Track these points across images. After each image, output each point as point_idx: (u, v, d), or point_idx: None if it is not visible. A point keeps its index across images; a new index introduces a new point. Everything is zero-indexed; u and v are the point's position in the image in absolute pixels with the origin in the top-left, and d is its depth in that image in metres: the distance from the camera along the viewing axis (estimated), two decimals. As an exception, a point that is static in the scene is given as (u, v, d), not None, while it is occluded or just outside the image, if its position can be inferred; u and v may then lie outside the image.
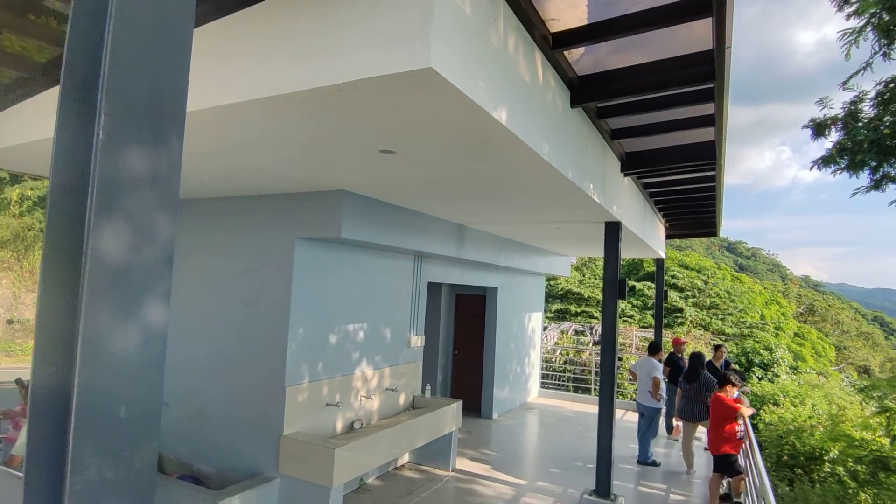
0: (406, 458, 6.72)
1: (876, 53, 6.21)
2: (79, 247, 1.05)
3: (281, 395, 4.75)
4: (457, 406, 6.59)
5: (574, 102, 3.88)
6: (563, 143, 3.76)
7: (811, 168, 7.70)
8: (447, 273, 7.48)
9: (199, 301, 5.39)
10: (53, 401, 1.04)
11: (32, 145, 3.74)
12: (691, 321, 22.83)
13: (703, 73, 3.55)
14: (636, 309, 23.25)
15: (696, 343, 20.09)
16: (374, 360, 5.94)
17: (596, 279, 25.17)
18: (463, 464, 6.87)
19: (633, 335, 18.54)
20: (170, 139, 1.14)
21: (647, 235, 7.92)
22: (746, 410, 5.75)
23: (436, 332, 9.38)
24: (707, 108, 4.53)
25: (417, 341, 6.73)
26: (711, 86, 3.95)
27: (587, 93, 3.85)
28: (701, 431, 7.47)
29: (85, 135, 1.08)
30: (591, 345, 17.85)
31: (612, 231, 5.91)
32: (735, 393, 5.82)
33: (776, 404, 14.28)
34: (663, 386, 7.56)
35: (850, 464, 9.30)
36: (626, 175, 5.97)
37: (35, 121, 3.64)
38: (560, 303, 23.15)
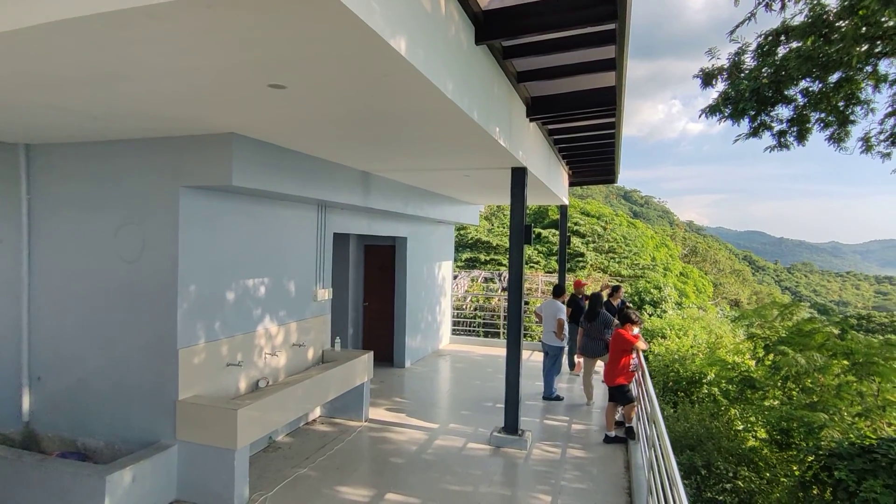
0: (318, 412, 6.60)
1: (759, 4, 6.55)
2: None
3: (173, 358, 4.38)
4: (368, 357, 6.51)
5: (479, 39, 3.71)
6: (469, 83, 3.61)
7: (699, 116, 8.15)
8: (354, 223, 7.22)
9: (71, 261, 4.77)
10: None
11: None
12: (592, 265, 24.25)
13: (606, 13, 3.51)
14: (542, 255, 24.27)
15: (595, 285, 21.45)
16: (278, 315, 5.66)
17: (504, 228, 25.86)
18: (376, 413, 6.87)
19: (538, 280, 19.37)
20: None
21: (552, 182, 8.09)
22: (642, 345, 6.18)
23: (344, 285, 9.15)
24: (609, 52, 4.55)
25: (324, 294, 6.49)
26: (613, 27, 3.95)
27: (492, 29, 3.69)
28: (599, 366, 7.99)
29: None
30: (499, 291, 18.44)
31: (518, 177, 5.93)
32: (636, 330, 6.22)
33: (664, 337, 15.69)
34: (566, 326, 7.95)
35: (724, 384, 10.48)
36: (531, 120, 5.97)
37: None
38: (470, 252, 23.60)
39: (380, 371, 8.89)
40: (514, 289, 5.97)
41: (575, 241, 24.38)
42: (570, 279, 15.75)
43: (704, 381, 11.00)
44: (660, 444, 4.10)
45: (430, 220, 9.86)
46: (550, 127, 7.10)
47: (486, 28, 3.71)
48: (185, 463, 4.41)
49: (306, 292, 6.16)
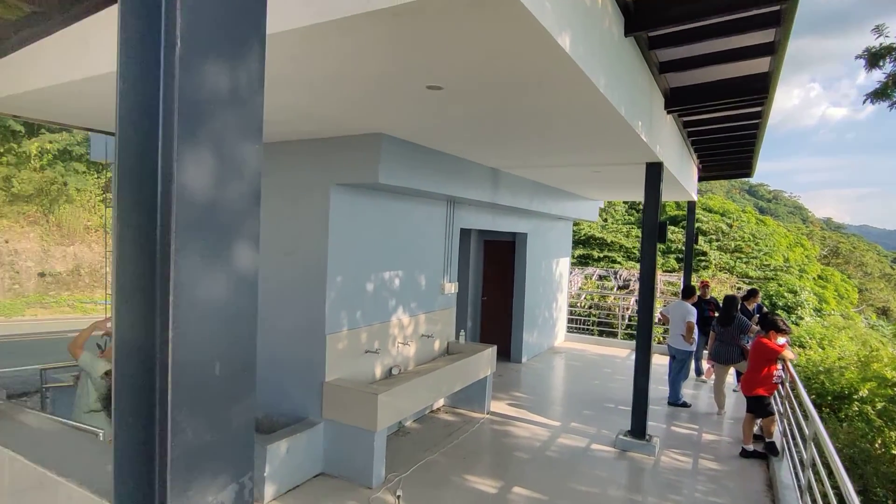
0: (441, 401, 6.82)
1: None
2: (153, 183, 0.91)
3: (322, 342, 4.75)
4: (491, 351, 6.60)
5: (628, 30, 3.59)
6: (618, 76, 3.51)
7: (864, 102, 7.25)
8: (479, 219, 7.33)
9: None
10: (139, 357, 0.94)
11: (50, 90, 3.56)
12: (716, 264, 22.56)
13: (775, -8, 3.24)
14: (659, 253, 23.01)
15: (722, 287, 19.91)
16: (409, 307, 5.92)
17: (618, 224, 24.84)
18: (497, 406, 6.95)
19: (657, 280, 18.41)
20: (251, 51, 0.97)
21: (683, 176, 7.64)
22: (789, 354, 5.66)
23: (465, 279, 9.34)
24: (768, 35, 4.19)
25: (451, 288, 6.67)
26: (778, 7, 3.63)
27: (643, 19, 3.56)
28: (730, 373, 7.45)
29: (153, 52, 0.91)
30: (614, 290, 17.78)
31: (654, 172, 5.67)
32: (782, 339, 5.71)
33: (802, 346, 14.22)
34: (696, 329, 7.49)
35: (881, 402, 9.29)
36: (668, 112, 5.67)
37: (51, 62, 3.44)
38: (582, 248, 22.96)
39: (497, 365, 8.95)
40: (646, 289, 5.73)
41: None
42: (693, 280, 14.78)
43: (855, 397, 9.84)
44: (821, 465, 3.75)
45: (551, 216, 9.74)
46: (686, 119, 6.69)
47: (637, 18, 3.58)
48: (329, 440, 4.77)
49: (435, 285, 6.37)
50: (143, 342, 0.93)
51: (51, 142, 20.10)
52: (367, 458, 4.58)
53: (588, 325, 14.24)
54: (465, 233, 9.17)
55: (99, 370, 3.88)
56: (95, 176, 21.30)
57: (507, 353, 9.48)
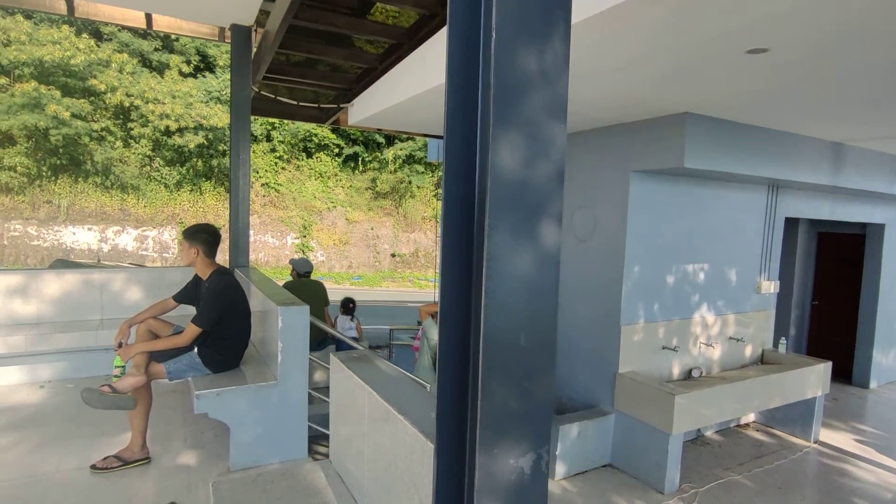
0: (751, 416, 5.94)
1: None
2: (472, 167, 1.01)
3: (616, 332, 4.66)
4: (825, 368, 5.44)
5: None
6: None
7: None
8: (812, 206, 6.06)
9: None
10: (459, 325, 1.07)
11: (400, 105, 4.37)
12: None
13: None
14: None
15: None
16: (715, 304, 5.30)
17: None
18: (829, 437, 5.68)
19: None
20: (556, 30, 0.99)
21: None
22: None
23: (789, 278, 7.86)
24: None
25: (769, 287, 5.72)
26: None
27: None
28: None
29: (474, 42, 1.01)
30: None
31: None
32: None
33: None
34: None
35: None
36: None
37: (401, 82, 4.21)
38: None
39: (833, 386, 7.31)
40: None
41: None
42: None
43: None
44: None
45: (924, 203, 7.39)
46: None
47: None
48: (619, 432, 4.67)
49: (748, 283, 5.56)
50: (463, 310, 1.06)
51: (401, 149, 24.98)
52: (660, 461, 4.32)
53: None
54: (791, 223, 7.70)
55: (434, 335, 4.68)
56: (430, 175, 25.77)
57: (846, 374, 7.64)
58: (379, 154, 25.49)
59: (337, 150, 24.49)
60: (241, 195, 4.64)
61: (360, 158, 24.85)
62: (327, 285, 6.66)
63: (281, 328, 2.97)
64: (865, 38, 2.45)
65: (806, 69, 2.95)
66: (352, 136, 24.55)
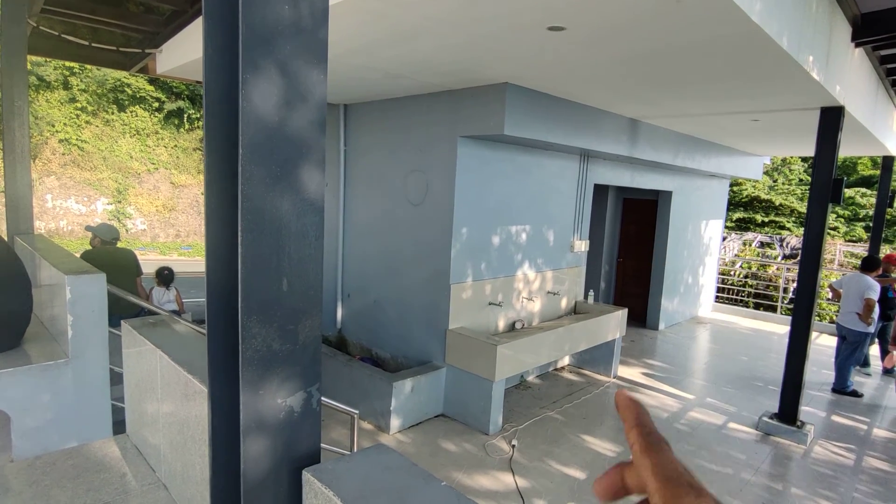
0: (566, 360, 6.73)
1: None
2: (234, 109, 0.98)
3: (446, 291, 4.92)
4: (621, 314, 6.31)
5: (800, -55, 3.02)
6: (779, 1, 2.99)
7: None
8: (616, 175, 6.90)
9: (373, 200, 5.70)
10: (225, 273, 1.04)
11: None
12: (918, 236, 18.82)
13: None
14: (841, 220, 19.81)
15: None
16: (536, 262, 5.84)
17: (790, 185, 21.73)
18: (625, 372, 6.68)
19: (836, 249, 15.95)
20: None
21: (877, 126, 6.39)
22: None
23: (600, 238, 8.95)
24: None
25: (581, 246, 6.44)
26: None
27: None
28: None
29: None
30: (778, 259, 15.78)
31: (831, 119, 4.82)
32: None
33: None
34: (877, 308, 6.38)
35: None
36: (857, 45, 4.72)
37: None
38: (743, 211, 20.57)
39: (631, 331, 8.57)
40: (811, 257, 4.99)
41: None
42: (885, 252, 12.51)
43: None
44: None
45: (702, 174, 8.84)
46: (885, 53, 5.53)
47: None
48: (450, 384, 4.99)
49: (564, 242, 6.20)
50: (229, 260, 1.04)
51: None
52: (485, 406, 4.71)
53: (742, 297, 12.88)
54: (601, 190, 8.72)
55: None
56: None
57: (642, 319, 8.99)
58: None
59: (157, 105, 21.40)
60: (17, 149, 3.94)
61: (185, 115, 21.88)
62: (151, 256, 6.03)
63: (70, 300, 2.63)
64: (650, 26, 2.81)
65: (601, 50, 3.30)
66: (175, 89, 21.72)
